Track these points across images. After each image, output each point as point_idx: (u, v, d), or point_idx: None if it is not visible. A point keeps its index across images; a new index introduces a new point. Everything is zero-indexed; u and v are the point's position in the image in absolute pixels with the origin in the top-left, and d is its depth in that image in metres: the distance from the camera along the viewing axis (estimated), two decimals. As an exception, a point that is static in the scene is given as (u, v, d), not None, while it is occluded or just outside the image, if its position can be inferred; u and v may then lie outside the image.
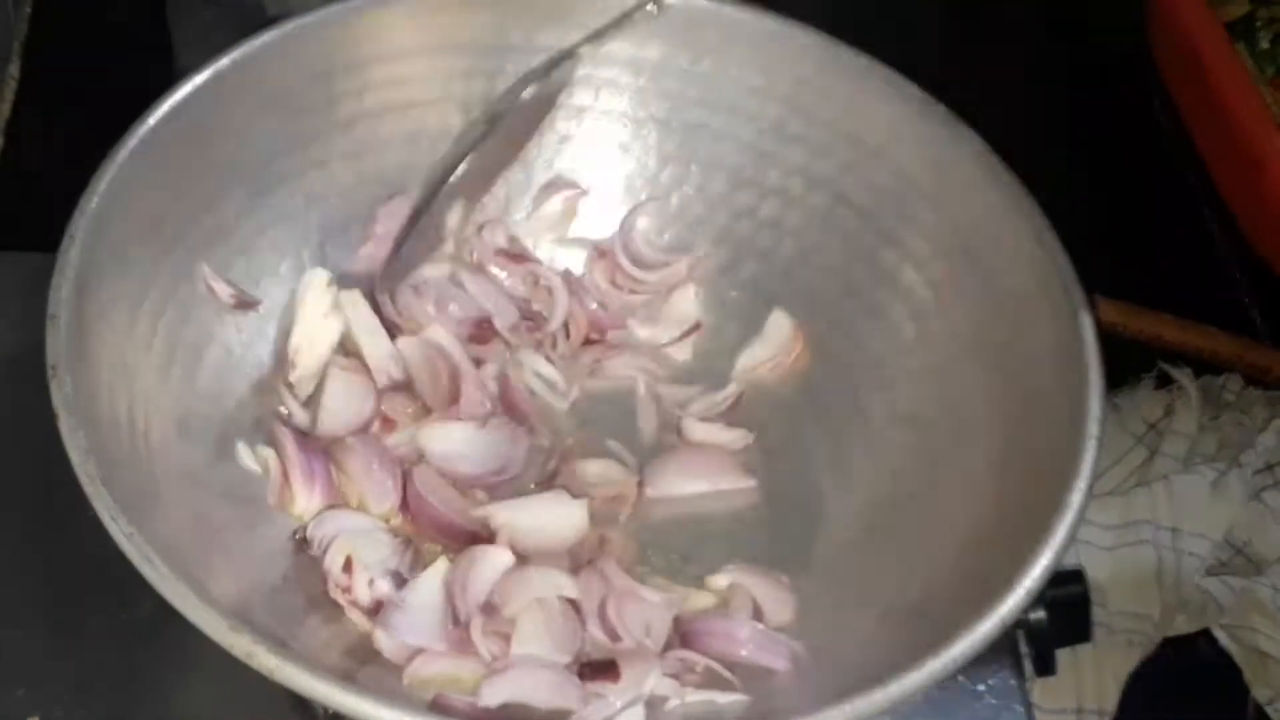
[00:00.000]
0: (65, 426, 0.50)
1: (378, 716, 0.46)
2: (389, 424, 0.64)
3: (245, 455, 0.61)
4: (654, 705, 0.54)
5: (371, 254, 0.67)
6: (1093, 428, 0.55)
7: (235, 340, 0.63)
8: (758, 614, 0.59)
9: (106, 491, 0.48)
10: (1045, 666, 0.68)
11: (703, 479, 0.65)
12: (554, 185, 0.71)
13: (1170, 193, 1.04)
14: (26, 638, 0.64)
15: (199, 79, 0.61)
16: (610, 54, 0.69)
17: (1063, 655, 0.71)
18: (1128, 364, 0.90)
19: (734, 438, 0.66)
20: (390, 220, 0.67)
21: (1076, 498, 0.53)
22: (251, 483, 0.61)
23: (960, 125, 0.64)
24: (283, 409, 0.63)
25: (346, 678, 0.47)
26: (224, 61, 0.62)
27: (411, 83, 0.67)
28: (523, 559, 0.58)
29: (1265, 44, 1.03)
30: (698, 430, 0.66)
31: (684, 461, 0.65)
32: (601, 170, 0.71)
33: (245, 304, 0.63)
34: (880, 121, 0.66)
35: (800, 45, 0.67)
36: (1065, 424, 0.56)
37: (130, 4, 1.00)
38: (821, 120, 0.68)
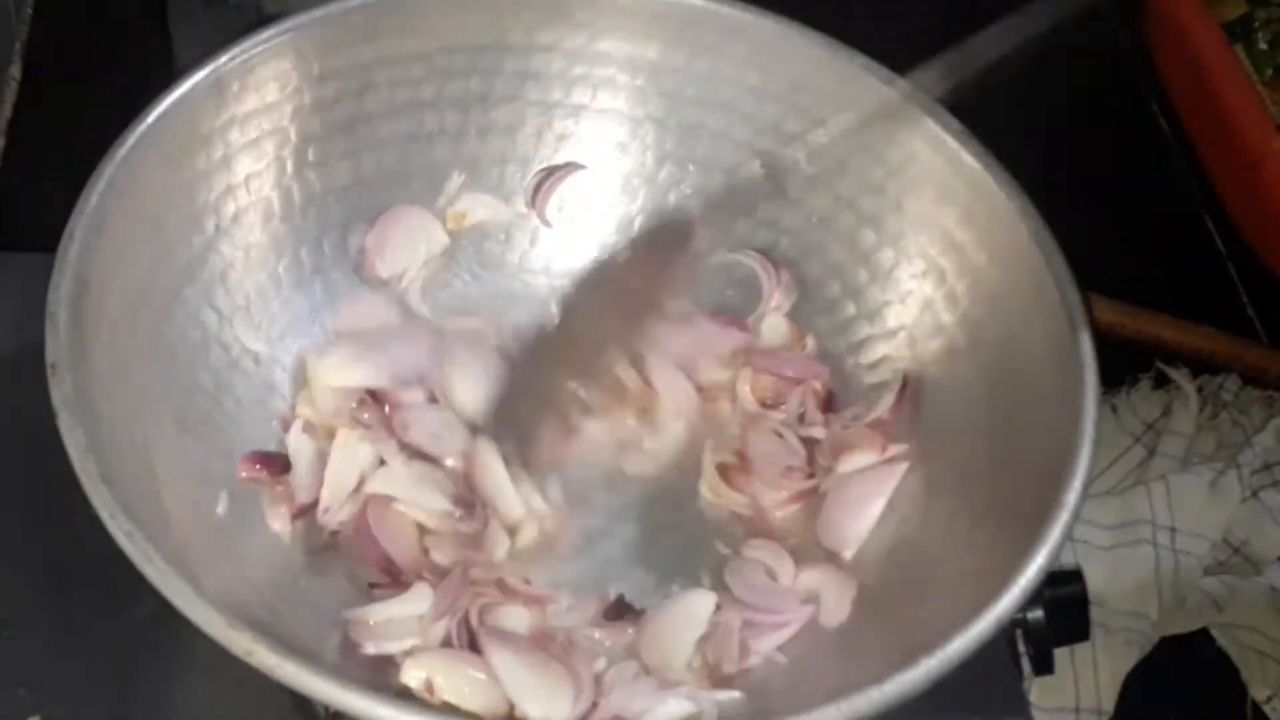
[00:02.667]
0: (65, 425, 0.50)
1: (376, 714, 0.46)
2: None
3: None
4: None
5: (370, 261, 0.68)
6: (1088, 428, 0.55)
7: (233, 339, 0.63)
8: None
9: (106, 490, 0.49)
10: (1043, 666, 0.68)
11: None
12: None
13: (1169, 193, 1.04)
14: (26, 637, 0.63)
15: (197, 77, 0.61)
16: (608, 53, 0.69)
17: (1061, 654, 0.71)
18: (1126, 364, 0.90)
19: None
20: (388, 227, 0.68)
21: (1071, 497, 0.53)
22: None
23: (956, 124, 0.64)
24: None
25: (346, 675, 0.47)
26: (222, 60, 0.62)
27: (410, 83, 0.67)
28: None
29: (1263, 45, 1.03)
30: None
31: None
32: (599, 169, 0.71)
33: None
34: (879, 121, 0.66)
35: (797, 45, 0.67)
36: (1061, 424, 0.56)
37: (130, 4, 1.00)
38: (819, 120, 0.67)
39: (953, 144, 0.64)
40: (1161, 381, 0.89)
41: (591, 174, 0.71)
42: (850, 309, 0.68)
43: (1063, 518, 0.52)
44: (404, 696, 0.53)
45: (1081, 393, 0.56)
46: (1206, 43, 1.02)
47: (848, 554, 0.62)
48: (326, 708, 0.58)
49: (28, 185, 0.82)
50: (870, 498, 0.62)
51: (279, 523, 0.60)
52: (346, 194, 0.68)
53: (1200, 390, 0.88)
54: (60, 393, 0.51)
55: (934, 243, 0.65)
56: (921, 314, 0.66)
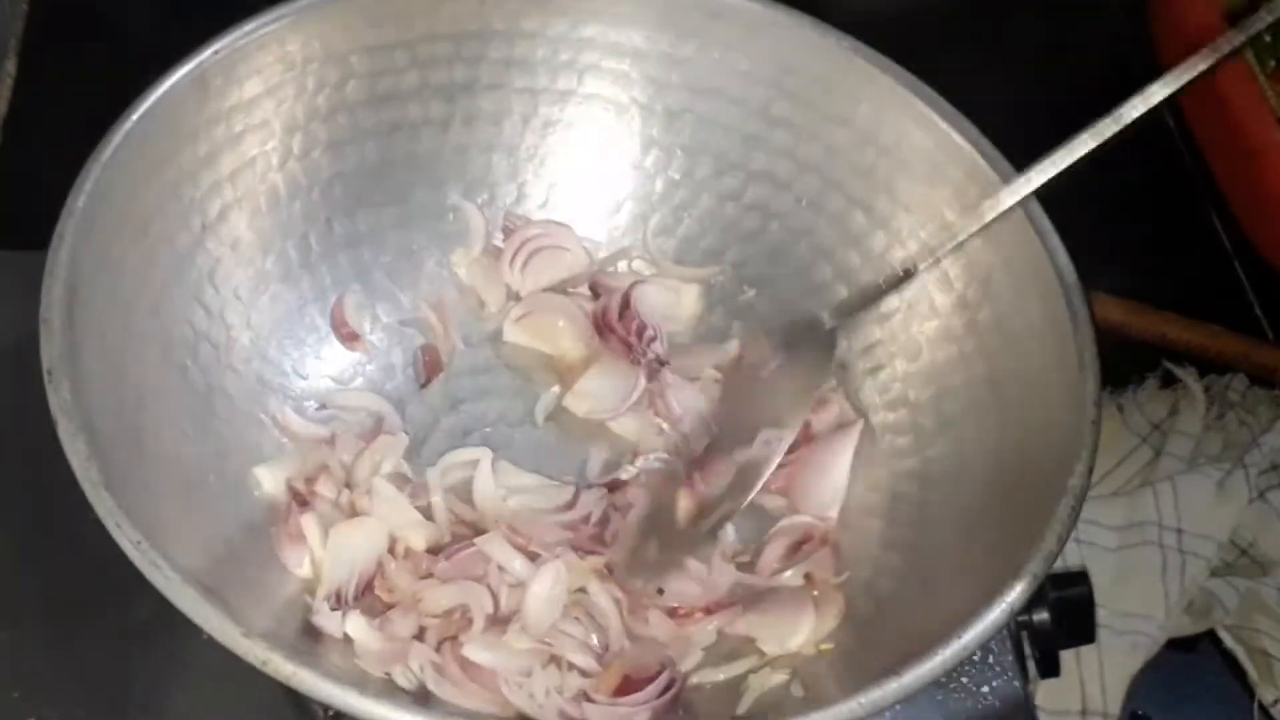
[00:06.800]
0: (64, 431, 0.49)
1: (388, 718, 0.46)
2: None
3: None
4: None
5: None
6: (1090, 410, 0.54)
7: (222, 335, 0.63)
8: None
9: (109, 497, 0.48)
10: (1049, 668, 0.68)
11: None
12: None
13: (1175, 191, 1.04)
14: (24, 639, 0.63)
15: (180, 73, 0.61)
16: (592, 39, 0.69)
17: (1066, 657, 0.71)
18: (1132, 363, 0.89)
19: None
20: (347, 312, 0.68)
21: (1077, 481, 0.52)
22: (250, 480, 0.61)
23: (947, 105, 0.64)
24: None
25: (356, 680, 0.47)
26: (205, 55, 0.61)
27: (393, 73, 0.67)
28: None
29: (1266, 36, 1.02)
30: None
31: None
32: (586, 156, 0.71)
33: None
34: (868, 104, 0.66)
35: (785, 28, 0.67)
36: (1063, 402, 0.55)
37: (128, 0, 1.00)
38: (808, 103, 0.67)
39: (943, 125, 0.63)
40: (1168, 381, 0.89)
41: (578, 160, 0.71)
42: (842, 293, 0.67)
43: (1069, 500, 0.52)
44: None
45: (1082, 372, 0.56)
46: (1208, 33, 1.02)
47: (833, 514, 0.62)
48: (325, 709, 0.58)
49: (25, 181, 0.82)
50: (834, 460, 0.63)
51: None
52: (332, 187, 0.67)
53: (1207, 390, 0.87)
54: (58, 399, 0.50)
55: (926, 224, 0.65)
56: (915, 297, 0.65)
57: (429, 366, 0.68)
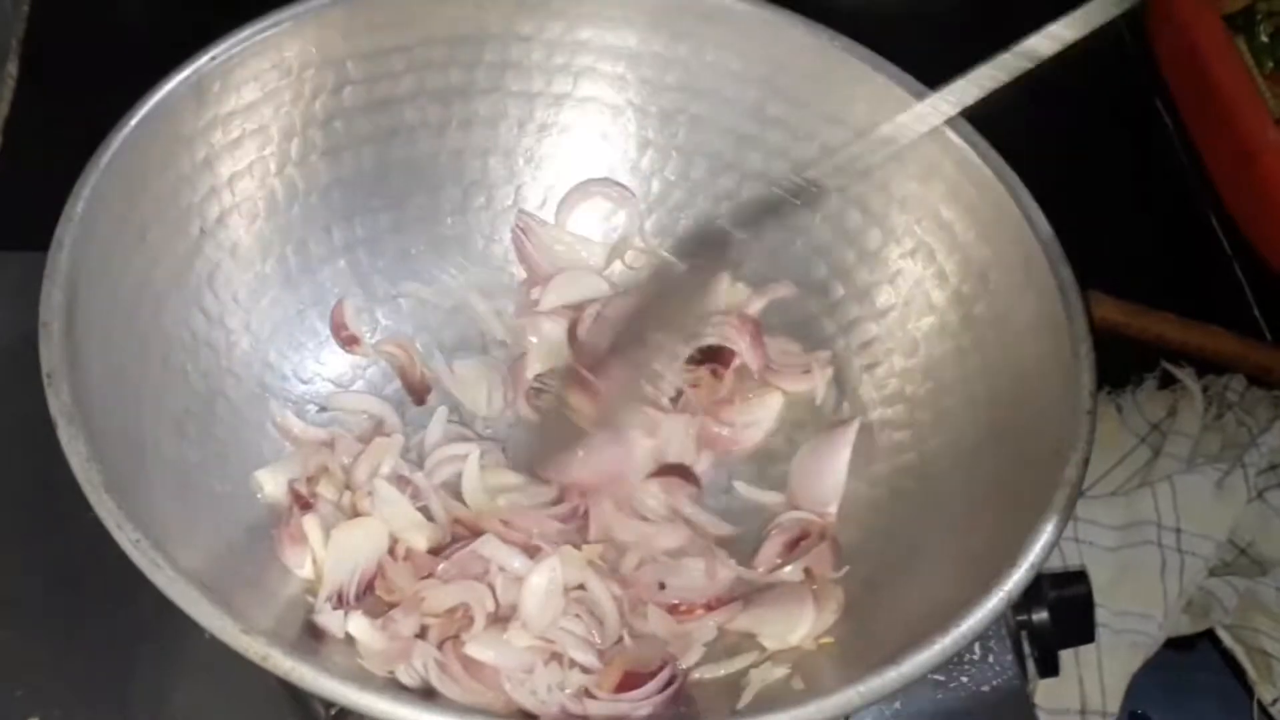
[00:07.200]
0: (64, 434, 0.49)
1: (390, 713, 0.46)
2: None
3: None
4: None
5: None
6: (1085, 401, 0.54)
7: (222, 340, 0.63)
8: None
9: (110, 498, 0.48)
10: (1048, 667, 0.68)
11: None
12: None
13: (1173, 192, 1.04)
14: (26, 638, 0.64)
15: (177, 79, 0.61)
16: (587, 41, 0.69)
17: (1066, 656, 0.71)
18: (1131, 364, 0.90)
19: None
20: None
21: (1073, 472, 0.52)
22: (251, 483, 0.61)
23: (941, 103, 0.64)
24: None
25: (355, 675, 0.47)
26: (202, 61, 0.61)
27: (389, 77, 0.67)
28: None
29: (1264, 37, 1.03)
30: None
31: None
32: (582, 158, 0.71)
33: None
34: (861, 102, 0.66)
35: (776, 28, 0.67)
36: (1059, 398, 0.55)
37: (128, 2, 1.00)
38: (801, 102, 0.67)
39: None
40: (1167, 381, 0.89)
41: (575, 162, 0.71)
42: (839, 290, 0.68)
43: (1066, 491, 0.52)
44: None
45: (1077, 363, 0.56)
46: (1205, 33, 1.02)
47: (831, 510, 0.63)
48: (327, 708, 0.58)
49: (26, 183, 0.82)
50: (832, 456, 0.64)
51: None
52: (330, 191, 0.67)
53: (1206, 390, 0.87)
54: (58, 402, 0.50)
55: (921, 221, 0.65)
56: (911, 293, 0.65)
57: (415, 390, 0.68)
